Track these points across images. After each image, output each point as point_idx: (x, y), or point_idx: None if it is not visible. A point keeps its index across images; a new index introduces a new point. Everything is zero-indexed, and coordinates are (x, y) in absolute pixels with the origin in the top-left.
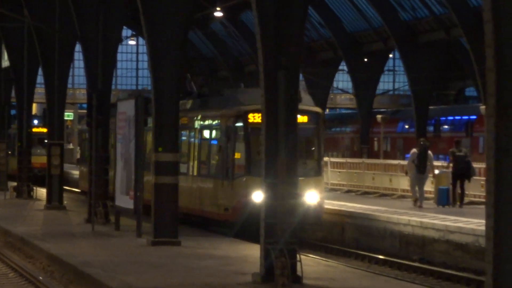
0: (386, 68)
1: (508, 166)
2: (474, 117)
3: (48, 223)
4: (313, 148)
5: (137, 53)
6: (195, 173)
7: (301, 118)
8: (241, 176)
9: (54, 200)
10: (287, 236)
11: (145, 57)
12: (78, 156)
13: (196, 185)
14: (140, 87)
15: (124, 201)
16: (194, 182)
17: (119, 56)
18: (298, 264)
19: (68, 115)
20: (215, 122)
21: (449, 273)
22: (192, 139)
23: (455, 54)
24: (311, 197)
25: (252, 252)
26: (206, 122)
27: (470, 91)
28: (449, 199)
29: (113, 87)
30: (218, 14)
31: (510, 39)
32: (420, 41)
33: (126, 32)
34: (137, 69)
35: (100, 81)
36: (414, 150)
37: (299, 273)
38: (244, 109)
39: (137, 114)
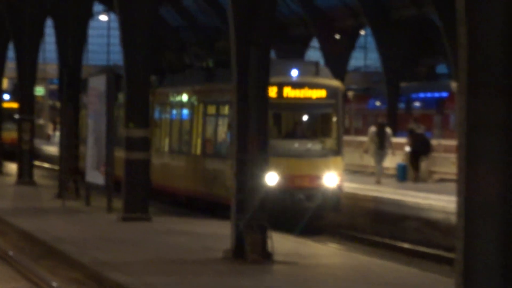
0: (357, 45)
1: (479, 143)
2: (445, 94)
3: (18, 199)
4: (332, 126)
5: (109, 28)
6: (198, 152)
7: (318, 93)
8: None
9: (25, 176)
10: (258, 213)
11: (117, 33)
12: (50, 131)
13: (200, 166)
14: (111, 63)
15: (95, 176)
16: (197, 162)
17: (90, 32)
18: (269, 240)
19: (39, 91)
20: (224, 96)
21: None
22: (195, 115)
23: (427, 31)
24: (329, 179)
25: (223, 229)
26: (213, 97)
27: (442, 69)
28: (407, 175)
29: (84, 62)
30: None
31: (482, 16)
32: (391, 18)
33: (97, 7)
34: (108, 44)
35: (71, 57)
36: (372, 128)
37: (269, 249)
38: None
39: (108, 90)
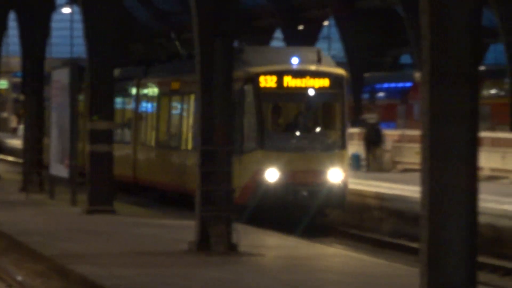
0: (321, 35)
1: (443, 132)
2: (409, 84)
3: None
4: (336, 117)
5: (72, 21)
6: (189, 147)
7: (321, 82)
8: (251, 150)
9: None
10: (223, 204)
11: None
12: (14, 125)
13: (191, 162)
14: (75, 56)
15: (59, 169)
16: (188, 157)
17: (53, 24)
18: (234, 232)
19: (2, 84)
20: None
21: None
22: (185, 107)
23: (391, 21)
24: (334, 175)
25: (188, 221)
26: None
27: (406, 59)
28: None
29: (48, 55)
30: None
31: (445, 5)
32: (356, 8)
33: (60, 0)
34: (72, 37)
35: (34, 50)
36: None
37: (234, 241)
38: (254, 71)
39: (71, 83)
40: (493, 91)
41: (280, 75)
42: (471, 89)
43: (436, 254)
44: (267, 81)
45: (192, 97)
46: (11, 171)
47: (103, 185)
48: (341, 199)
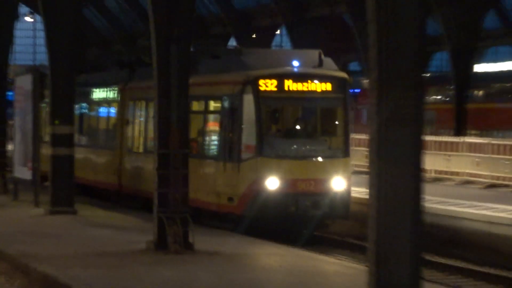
0: (273, 43)
1: (390, 136)
2: (358, 90)
3: None
4: (339, 123)
5: (35, 29)
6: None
7: (323, 86)
8: (251, 158)
9: None
10: (180, 205)
11: (42, 33)
12: None
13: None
14: (37, 63)
15: (23, 172)
16: (191, 165)
17: (17, 33)
18: (190, 232)
19: None
20: (212, 91)
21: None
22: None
23: (340, 30)
24: (337, 183)
25: (146, 221)
26: (197, 91)
27: (354, 66)
28: None
29: (11, 62)
30: None
31: (391, 15)
32: (306, 17)
33: (23, 9)
34: (34, 45)
35: None
36: None
37: (191, 240)
38: (254, 74)
39: (34, 89)
40: (437, 97)
41: (280, 78)
42: (416, 94)
43: (383, 253)
44: (267, 85)
45: (198, 101)
46: None
47: (65, 186)
48: (345, 208)
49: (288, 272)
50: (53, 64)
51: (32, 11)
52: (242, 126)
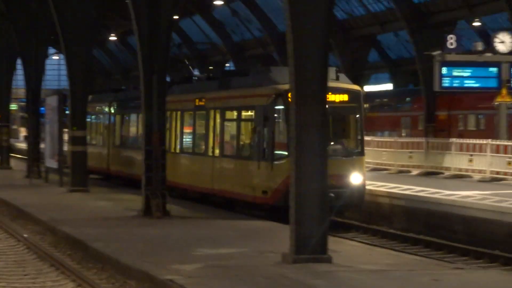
0: None
1: (304, 137)
2: None
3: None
4: (355, 128)
5: (59, 64)
6: (216, 154)
7: (342, 97)
8: (283, 158)
9: (4, 163)
10: (159, 185)
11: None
12: (24, 133)
13: (219, 166)
14: (61, 87)
15: (51, 163)
16: (218, 163)
17: (47, 66)
18: (167, 203)
19: (13, 106)
20: (246, 102)
21: None
22: (211, 120)
23: (269, 63)
24: (355, 178)
25: (137, 196)
26: (232, 103)
27: None
28: None
29: (42, 87)
30: (113, 37)
31: (303, 56)
32: (246, 55)
33: (51, 50)
34: (59, 75)
35: (34, 83)
36: None
37: (168, 209)
38: (283, 88)
39: (58, 105)
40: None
41: None
42: (322, 108)
43: (300, 217)
44: None
45: (217, 111)
46: (19, 164)
47: (81, 172)
48: (361, 199)
49: (237, 228)
50: (72, 88)
51: (57, 51)
52: (274, 131)
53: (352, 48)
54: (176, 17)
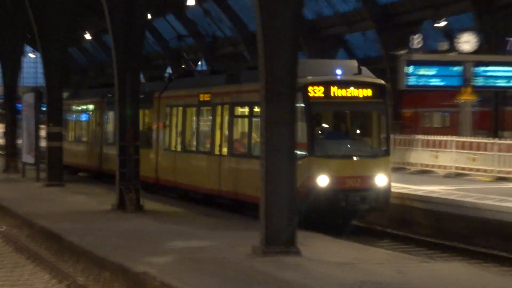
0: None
1: (274, 132)
2: None
3: None
4: (380, 125)
5: (36, 62)
6: (224, 153)
7: (365, 92)
8: (302, 157)
9: None
10: (133, 180)
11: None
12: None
13: (227, 166)
14: (38, 85)
15: (28, 158)
16: (226, 162)
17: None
18: (141, 198)
19: None
20: (259, 97)
21: None
22: (218, 117)
23: (240, 62)
24: (380, 180)
25: (111, 191)
26: (244, 98)
27: None
28: None
29: (20, 84)
30: (88, 36)
31: (274, 55)
32: (218, 53)
33: (28, 48)
34: (36, 72)
35: (11, 81)
36: None
37: (141, 203)
38: (303, 82)
39: (35, 102)
40: None
41: (327, 85)
42: (290, 106)
43: (269, 211)
44: (315, 91)
45: (225, 107)
46: None
47: (56, 167)
48: (386, 202)
49: (209, 223)
50: (48, 86)
51: (34, 49)
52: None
53: (321, 48)
54: (149, 16)
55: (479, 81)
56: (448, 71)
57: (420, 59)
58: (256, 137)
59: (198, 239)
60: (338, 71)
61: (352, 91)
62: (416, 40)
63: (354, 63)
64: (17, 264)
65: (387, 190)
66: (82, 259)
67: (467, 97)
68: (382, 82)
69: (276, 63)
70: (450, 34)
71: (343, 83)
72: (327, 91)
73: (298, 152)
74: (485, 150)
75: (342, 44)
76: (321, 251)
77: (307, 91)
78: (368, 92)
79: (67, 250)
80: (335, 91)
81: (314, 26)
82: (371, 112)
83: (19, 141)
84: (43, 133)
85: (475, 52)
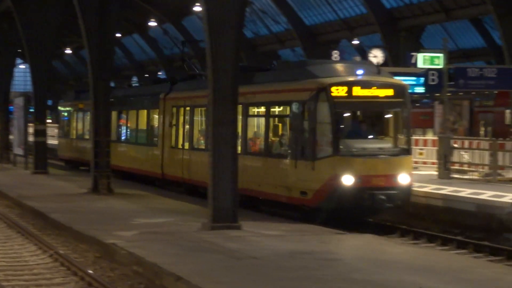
0: None
1: (219, 131)
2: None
3: None
4: (402, 125)
5: (25, 72)
6: (238, 151)
7: (387, 91)
8: (326, 156)
9: None
10: (105, 168)
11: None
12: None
13: (241, 163)
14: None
15: (18, 150)
16: (240, 160)
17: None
18: (111, 183)
19: None
20: (277, 97)
21: None
22: (239, 116)
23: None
24: (403, 178)
25: (87, 178)
26: (259, 98)
27: None
28: None
29: (12, 90)
30: (68, 51)
31: (218, 63)
32: (174, 66)
33: (19, 60)
34: (25, 80)
35: (4, 87)
36: None
37: (112, 187)
38: (327, 82)
39: (24, 105)
40: None
41: (350, 85)
42: (233, 108)
43: (216, 192)
44: (339, 91)
45: (265, 106)
46: None
47: (42, 158)
48: (407, 200)
49: (168, 203)
50: (36, 91)
51: (23, 61)
52: (316, 128)
53: (258, 62)
54: (118, 35)
55: None
56: None
57: None
58: (275, 136)
59: (158, 216)
60: (359, 71)
61: (374, 91)
62: (335, 55)
63: (373, 64)
64: (8, 237)
65: (409, 188)
66: (63, 233)
67: None
68: (403, 82)
69: (221, 73)
70: (362, 51)
71: (366, 83)
72: (350, 91)
73: (320, 151)
74: None
75: (276, 58)
76: (259, 226)
77: (330, 91)
78: (390, 92)
79: (50, 225)
80: (358, 91)
81: (252, 43)
82: (393, 111)
83: (11, 137)
84: (31, 130)
85: (382, 65)
